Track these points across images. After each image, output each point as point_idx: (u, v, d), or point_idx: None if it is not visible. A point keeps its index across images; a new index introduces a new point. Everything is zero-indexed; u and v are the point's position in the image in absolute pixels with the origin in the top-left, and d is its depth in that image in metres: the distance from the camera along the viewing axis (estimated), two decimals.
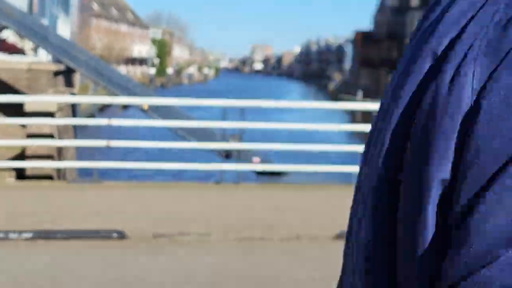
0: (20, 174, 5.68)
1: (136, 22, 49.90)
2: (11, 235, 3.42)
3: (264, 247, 3.49)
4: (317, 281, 2.76)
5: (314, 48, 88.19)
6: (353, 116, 19.14)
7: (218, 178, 5.32)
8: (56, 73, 7.81)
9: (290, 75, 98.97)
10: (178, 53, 67.16)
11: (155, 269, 3.00)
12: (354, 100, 27.03)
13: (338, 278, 0.24)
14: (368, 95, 29.09)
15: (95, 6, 38.10)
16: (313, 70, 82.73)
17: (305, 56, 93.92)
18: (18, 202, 4.08)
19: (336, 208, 3.37)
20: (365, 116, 10.90)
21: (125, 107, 12.92)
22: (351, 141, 8.98)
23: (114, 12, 43.49)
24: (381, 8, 41.86)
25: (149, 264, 3.10)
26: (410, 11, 32.12)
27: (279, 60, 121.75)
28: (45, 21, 9.09)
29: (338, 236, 3.37)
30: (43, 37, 7.72)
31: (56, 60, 8.58)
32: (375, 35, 40.95)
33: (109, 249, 3.36)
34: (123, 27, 45.12)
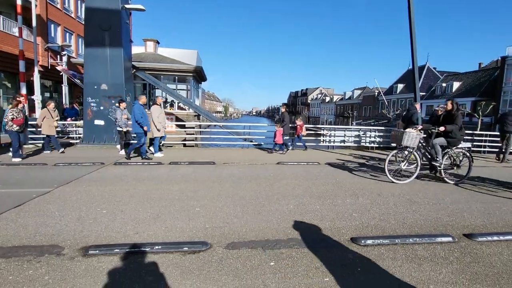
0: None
1: (218, 99, 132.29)
2: None
3: None
4: None
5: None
6: None
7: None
8: (195, 115, 18.23)
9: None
10: (231, 109, 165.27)
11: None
12: None
13: None
14: None
15: (206, 96, 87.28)
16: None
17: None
18: None
19: None
20: None
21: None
22: None
23: (210, 96, 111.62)
24: None
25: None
26: None
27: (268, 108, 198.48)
28: (191, 99, 19.75)
29: None
30: (190, 103, 17.37)
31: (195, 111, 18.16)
32: None
33: None
34: (214, 102, 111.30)
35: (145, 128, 7.87)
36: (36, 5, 14.19)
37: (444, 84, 38.81)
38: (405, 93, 44.09)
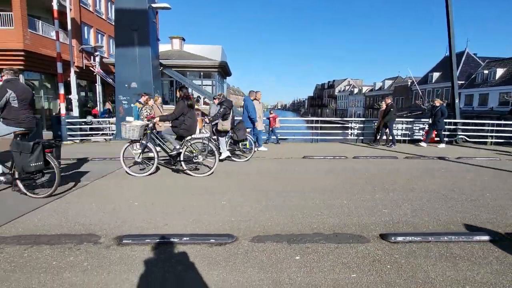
0: None
1: (242, 94, 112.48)
2: None
3: None
4: None
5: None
6: None
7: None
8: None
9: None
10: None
11: None
12: None
13: None
14: None
15: (231, 91, 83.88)
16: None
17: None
18: None
19: None
20: None
21: None
22: None
23: (235, 91, 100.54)
24: None
25: None
26: None
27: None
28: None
29: None
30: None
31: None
32: None
33: None
34: (239, 97, 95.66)
35: (256, 123, 8.16)
36: (70, 9, 15.10)
37: (486, 71, 35.86)
38: (441, 82, 41.40)
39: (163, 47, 19.72)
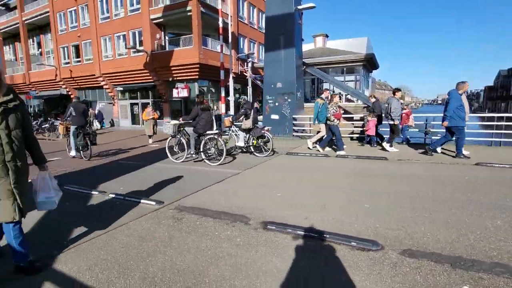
0: None
1: (389, 88, 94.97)
2: None
3: None
4: None
5: None
6: None
7: None
8: (364, 107, 15.84)
9: None
10: (408, 98, 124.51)
11: None
12: None
13: None
14: None
15: (377, 86, 76.31)
16: None
17: None
18: None
19: None
20: None
21: None
22: None
23: (382, 85, 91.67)
24: None
25: None
26: None
27: None
28: (360, 90, 18.28)
29: None
30: (359, 94, 16.24)
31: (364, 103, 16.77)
32: None
33: None
34: (386, 92, 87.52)
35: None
36: (231, 25, 18.14)
37: None
38: None
39: (306, 46, 20.51)
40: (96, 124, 21.49)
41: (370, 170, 6.06)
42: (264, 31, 13.38)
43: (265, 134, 7.96)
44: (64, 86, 25.09)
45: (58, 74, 24.73)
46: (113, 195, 4.64)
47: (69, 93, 25.18)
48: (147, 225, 3.42)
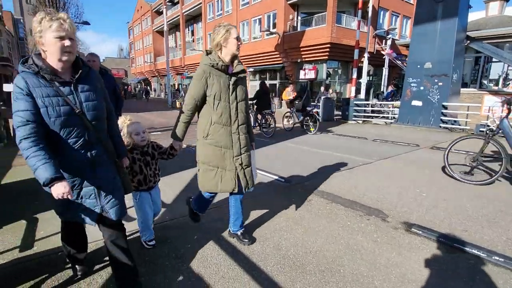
0: None
1: None
2: None
3: None
4: None
5: None
6: None
7: None
8: None
9: None
10: None
11: None
12: None
13: None
14: None
15: None
16: None
17: None
18: None
19: None
20: None
21: None
22: None
23: None
24: None
25: None
26: None
27: None
28: None
29: None
30: None
31: None
32: None
33: None
34: None
35: None
36: None
37: None
38: None
39: (472, 16, 16.42)
40: None
41: None
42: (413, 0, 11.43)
43: (314, 115, 9.29)
44: None
45: None
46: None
47: None
48: (279, 201, 3.58)
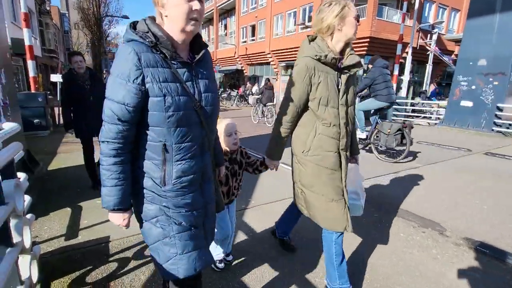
0: None
1: None
2: None
3: None
4: None
5: None
6: None
7: None
8: None
9: None
10: None
11: None
12: None
13: None
14: None
15: None
16: None
17: None
18: None
19: None
20: None
21: None
22: None
23: None
24: None
25: None
26: None
27: None
28: None
29: None
30: None
31: None
32: None
33: None
34: None
35: None
36: None
37: None
38: None
39: None
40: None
41: None
42: None
43: None
44: (239, 62, 29.46)
45: (236, 52, 29.18)
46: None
47: (243, 68, 29.37)
48: None
